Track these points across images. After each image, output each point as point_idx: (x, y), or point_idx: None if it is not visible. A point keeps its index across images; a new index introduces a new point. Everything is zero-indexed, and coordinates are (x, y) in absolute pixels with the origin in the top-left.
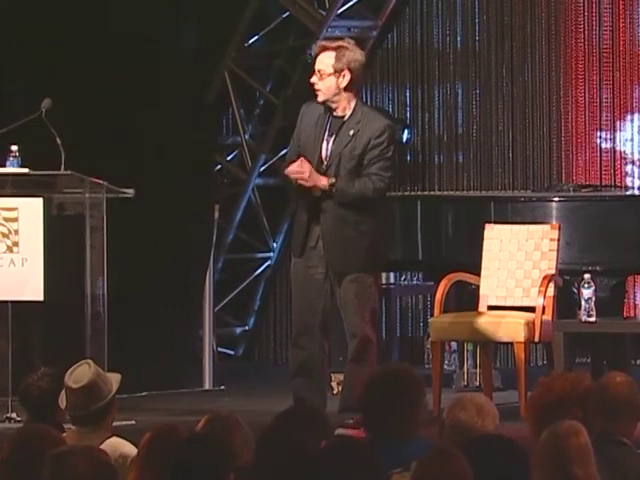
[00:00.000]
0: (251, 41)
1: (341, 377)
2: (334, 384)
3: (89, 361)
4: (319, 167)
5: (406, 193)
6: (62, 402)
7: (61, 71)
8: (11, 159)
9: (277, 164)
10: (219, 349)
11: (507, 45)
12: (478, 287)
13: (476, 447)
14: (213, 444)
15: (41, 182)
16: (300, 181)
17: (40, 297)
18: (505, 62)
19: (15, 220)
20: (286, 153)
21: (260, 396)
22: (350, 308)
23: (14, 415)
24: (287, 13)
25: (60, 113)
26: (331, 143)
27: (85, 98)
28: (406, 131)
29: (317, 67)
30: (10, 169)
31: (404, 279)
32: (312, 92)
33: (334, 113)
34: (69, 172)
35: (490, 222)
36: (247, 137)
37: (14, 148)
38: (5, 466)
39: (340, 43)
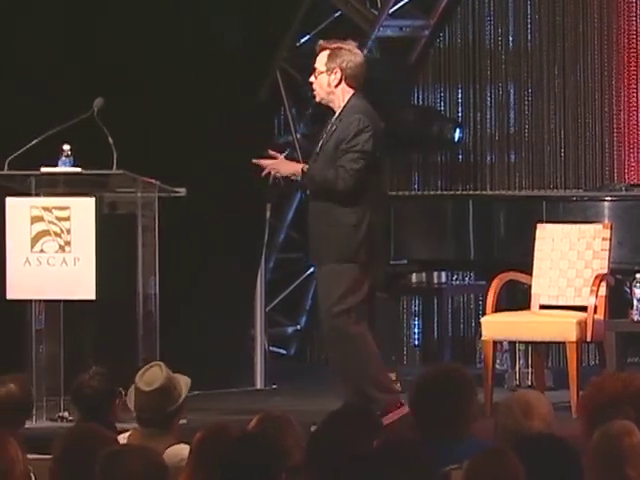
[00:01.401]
0: (303, 40)
1: (393, 376)
2: None
3: (160, 363)
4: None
5: (458, 192)
6: (130, 402)
7: (113, 70)
8: (63, 158)
9: None
10: (271, 348)
11: (559, 45)
12: (530, 286)
13: (526, 446)
14: (264, 444)
15: (93, 181)
16: (273, 171)
17: (92, 296)
18: (557, 61)
19: (67, 219)
20: None
21: (311, 396)
22: (319, 297)
23: (66, 414)
24: (339, 12)
25: (112, 112)
26: (322, 139)
27: (137, 97)
28: (458, 130)
29: (315, 66)
30: (62, 168)
31: (456, 279)
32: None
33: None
34: (121, 171)
35: (542, 221)
36: (299, 136)
37: (66, 147)
38: (57, 465)
39: (339, 44)
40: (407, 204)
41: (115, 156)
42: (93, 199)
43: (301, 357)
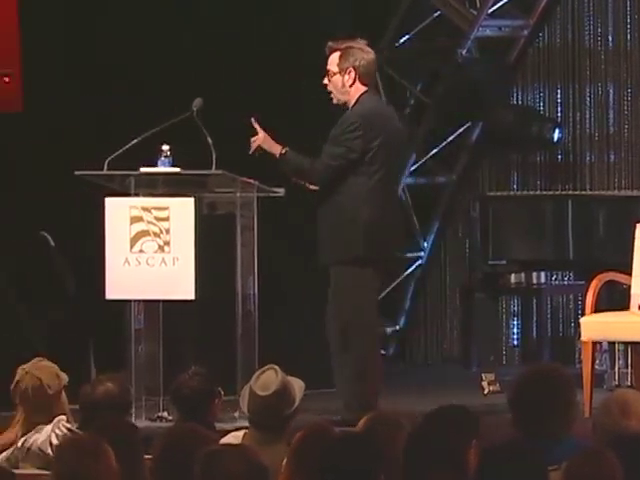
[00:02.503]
0: (402, 40)
1: (491, 377)
2: (485, 384)
3: (275, 367)
4: None
5: (557, 192)
6: (243, 405)
7: (211, 70)
8: (162, 159)
9: (428, 164)
10: None
11: None
12: (629, 287)
13: (624, 446)
14: (364, 444)
15: (192, 181)
16: (255, 144)
17: (191, 296)
18: None
19: (166, 219)
20: (436, 153)
21: (410, 396)
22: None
23: (165, 414)
24: (438, 12)
25: (211, 112)
26: None
27: (235, 97)
28: (557, 130)
29: (327, 68)
30: (161, 169)
31: (555, 279)
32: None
33: None
34: (220, 171)
35: None
36: None
37: (165, 148)
38: (157, 464)
39: (349, 43)
40: (506, 204)
41: (214, 156)
42: (192, 199)
43: (400, 357)
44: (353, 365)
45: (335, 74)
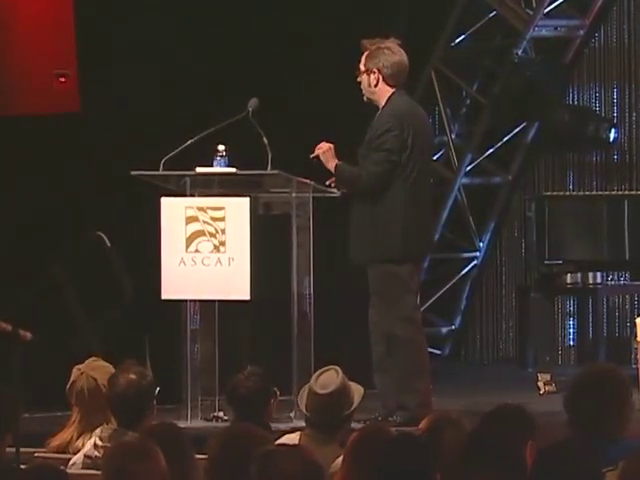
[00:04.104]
0: (458, 40)
1: (547, 377)
2: (540, 384)
3: (336, 368)
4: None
5: (613, 193)
6: (301, 404)
7: (268, 70)
8: (218, 159)
9: (483, 164)
10: None
11: None
12: None
13: None
14: (420, 445)
15: (248, 182)
16: (319, 155)
17: (247, 296)
18: None
19: (222, 220)
20: (492, 153)
21: (466, 396)
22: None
23: (221, 414)
24: (494, 12)
25: (267, 112)
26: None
27: (292, 96)
28: (613, 130)
29: (358, 66)
30: (217, 169)
31: (611, 279)
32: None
33: None
34: (276, 172)
35: None
36: (453, 136)
37: (221, 148)
38: (213, 464)
39: (378, 44)
40: (562, 204)
41: (270, 156)
42: (248, 199)
43: (456, 357)
44: (405, 364)
45: (362, 73)
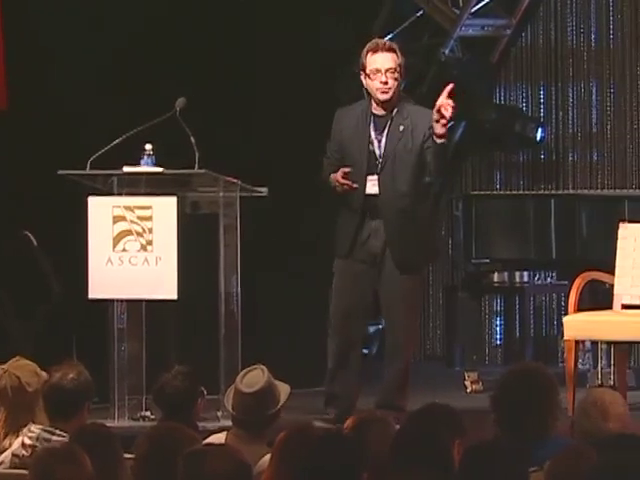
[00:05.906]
0: (385, 39)
1: (474, 376)
2: (467, 382)
3: (262, 367)
4: (372, 165)
5: (540, 192)
6: (227, 403)
7: (195, 69)
8: (145, 158)
9: None
10: None
11: None
12: (612, 286)
13: (607, 446)
14: (347, 444)
15: (175, 181)
16: (346, 187)
17: (174, 296)
18: None
19: (149, 219)
20: None
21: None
22: (400, 304)
23: (148, 413)
24: (421, 12)
25: (194, 112)
26: (383, 141)
27: (218, 96)
28: (540, 129)
29: (390, 66)
30: (144, 168)
31: (538, 278)
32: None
33: (375, 112)
34: (203, 171)
35: (624, 221)
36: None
37: (148, 147)
38: (141, 464)
39: (392, 43)
40: (489, 203)
41: (197, 155)
42: (175, 198)
43: (382, 356)
44: (406, 370)
45: (397, 71)
